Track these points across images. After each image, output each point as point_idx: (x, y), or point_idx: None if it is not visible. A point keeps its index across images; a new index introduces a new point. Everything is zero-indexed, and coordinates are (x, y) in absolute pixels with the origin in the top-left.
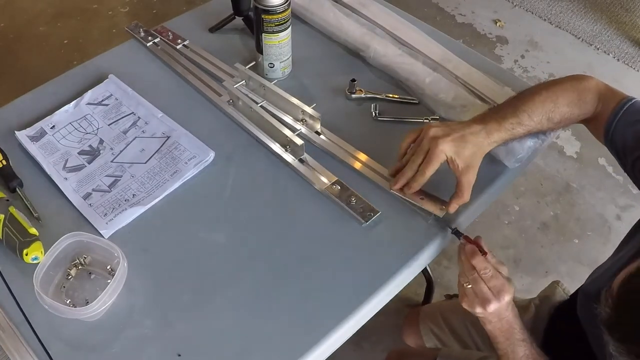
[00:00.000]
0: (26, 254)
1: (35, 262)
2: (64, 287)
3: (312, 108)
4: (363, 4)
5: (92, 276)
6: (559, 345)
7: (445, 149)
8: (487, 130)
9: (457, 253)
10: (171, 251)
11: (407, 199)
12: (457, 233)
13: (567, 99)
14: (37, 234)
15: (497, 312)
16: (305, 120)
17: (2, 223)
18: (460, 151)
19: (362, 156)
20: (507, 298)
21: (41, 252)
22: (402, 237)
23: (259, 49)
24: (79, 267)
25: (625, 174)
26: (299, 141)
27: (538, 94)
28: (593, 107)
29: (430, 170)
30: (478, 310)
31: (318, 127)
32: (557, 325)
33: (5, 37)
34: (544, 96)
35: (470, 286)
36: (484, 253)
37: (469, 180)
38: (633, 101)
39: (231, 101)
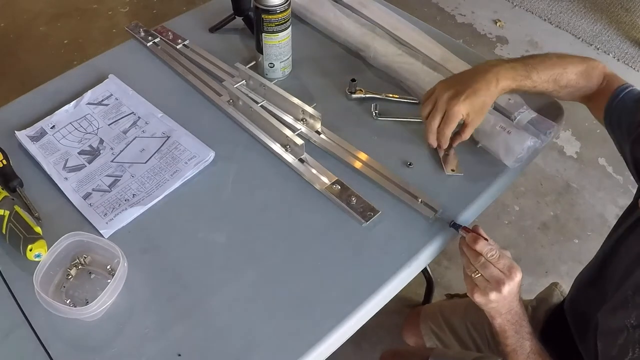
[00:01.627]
0: (30, 250)
1: (37, 259)
2: (64, 287)
3: (312, 108)
4: (363, 4)
5: (92, 276)
6: (553, 347)
7: (462, 110)
8: (497, 78)
9: (458, 250)
10: (171, 251)
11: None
12: (455, 225)
13: (576, 68)
14: (41, 232)
15: (510, 299)
16: (306, 120)
17: (7, 219)
18: (474, 107)
19: (363, 156)
20: (519, 275)
21: (44, 249)
22: (402, 237)
23: (259, 49)
24: (79, 267)
25: (625, 174)
26: (299, 141)
27: (549, 58)
28: (597, 84)
29: (449, 130)
30: (493, 297)
31: (318, 126)
32: (551, 327)
33: (6, 37)
34: (554, 60)
35: (478, 275)
36: (484, 239)
37: (475, 124)
38: (633, 87)
39: (231, 101)
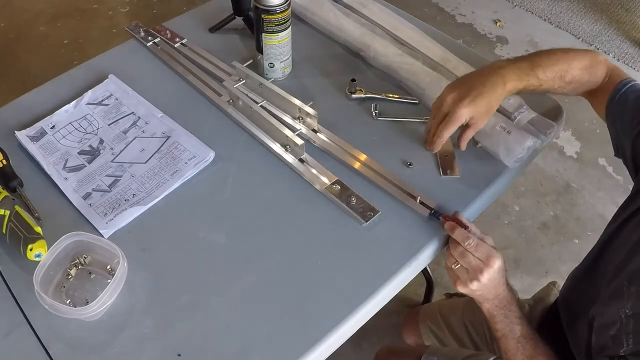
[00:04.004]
0: (30, 249)
1: (37, 259)
2: (64, 287)
3: (310, 106)
4: (363, 4)
5: (92, 276)
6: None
7: (465, 113)
8: (504, 80)
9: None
10: (171, 251)
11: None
12: (435, 214)
13: (581, 63)
14: (41, 232)
15: (493, 285)
16: (302, 118)
17: (7, 218)
18: (478, 110)
19: (362, 156)
20: (497, 262)
21: (45, 249)
22: (402, 237)
23: (259, 49)
24: (79, 267)
25: (625, 174)
26: (299, 141)
27: (554, 54)
28: (601, 78)
29: (447, 133)
30: (474, 286)
31: (315, 125)
32: (546, 325)
33: (5, 37)
34: (559, 56)
35: (458, 265)
36: (465, 227)
37: (478, 127)
38: (635, 82)
39: (231, 101)
